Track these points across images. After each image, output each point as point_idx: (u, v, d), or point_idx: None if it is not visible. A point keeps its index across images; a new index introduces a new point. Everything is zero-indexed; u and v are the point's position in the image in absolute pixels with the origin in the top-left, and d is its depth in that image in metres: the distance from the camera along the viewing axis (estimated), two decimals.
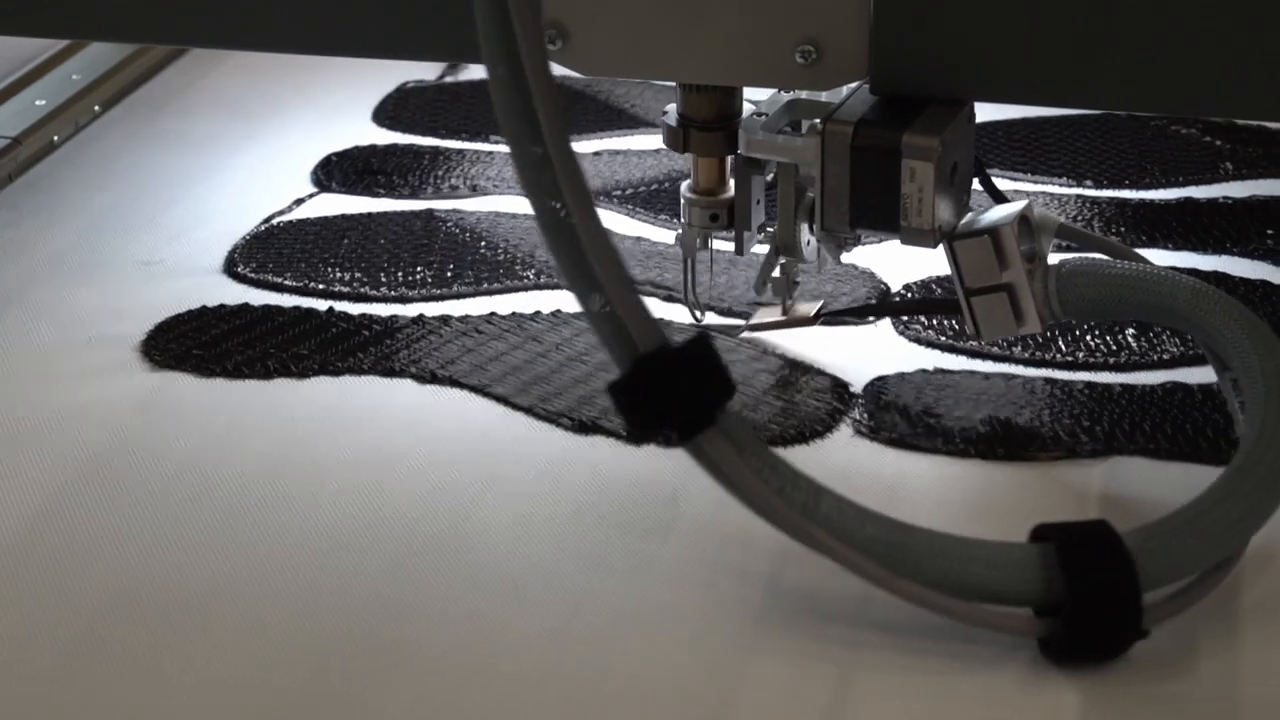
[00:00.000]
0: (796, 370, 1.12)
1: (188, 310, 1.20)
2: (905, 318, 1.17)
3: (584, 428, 1.07)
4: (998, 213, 1.03)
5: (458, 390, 1.11)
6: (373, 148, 1.43)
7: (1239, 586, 0.94)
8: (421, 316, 1.19)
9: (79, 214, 1.33)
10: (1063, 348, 1.14)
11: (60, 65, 1.50)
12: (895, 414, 1.08)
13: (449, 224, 1.31)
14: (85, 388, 1.12)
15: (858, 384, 1.11)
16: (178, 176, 1.39)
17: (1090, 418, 1.07)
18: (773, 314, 1.15)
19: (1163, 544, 0.89)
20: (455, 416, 1.09)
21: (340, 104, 1.50)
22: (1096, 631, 0.88)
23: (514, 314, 1.19)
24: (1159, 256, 1.23)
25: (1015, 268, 1.02)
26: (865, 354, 1.14)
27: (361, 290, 1.22)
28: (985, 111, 1.32)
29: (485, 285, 1.23)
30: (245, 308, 1.20)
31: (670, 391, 0.87)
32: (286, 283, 1.23)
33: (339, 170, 1.39)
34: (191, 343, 1.16)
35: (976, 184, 1.07)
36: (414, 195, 1.36)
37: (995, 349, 1.14)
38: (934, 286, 1.22)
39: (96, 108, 1.48)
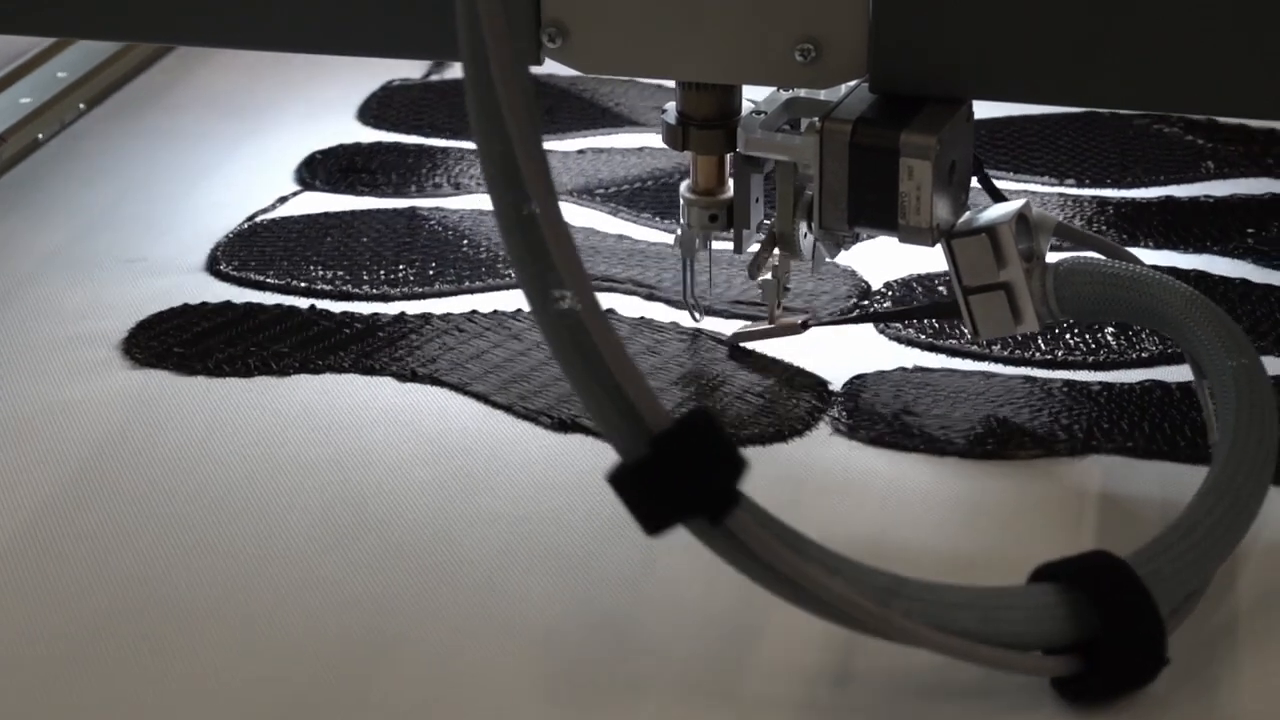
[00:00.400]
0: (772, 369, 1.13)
1: (170, 308, 1.20)
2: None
3: (563, 426, 1.08)
4: (996, 211, 1.03)
5: (438, 388, 1.12)
6: (357, 146, 1.43)
7: (1239, 586, 0.94)
8: (403, 314, 1.19)
9: (63, 211, 1.33)
10: (1042, 346, 1.14)
11: (46, 63, 1.50)
12: (874, 412, 1.08)
13: (432, 222, 1.31)
14: (67, 385, 1.12)
15: (837, 382, 1.12)
16: (162, 174, 1.39)
17: (1069, 416, 1.08)
18: (760, 324, 1.15)
19: (1163, 566, 0.88)
20: (436, 414, 1.09)
21: (326, 101, 1.50)
22: (1129, 667, 0.86)
23: (495, 312, 1.19)
24: (1140, 255, 1.23)
25: (1013, 266, 1.02)
26: (844, 352, 1.14)
27: (344, 288, 1.23)
28: None
29: (467, 283, 1.23)
30: (227, 305, 1.20)
31: (691, 471, 0.80)
32: (269, 281, 1.23)
33: (323, 168, 1.39)
34: (173, 340, 1.16)
35: (975, 182, 1.07)
36: (397, 193, 1.36)
37: (974, 347, 1.14)
38: (914, 285, 1.22)
39: (81, 105, 1.48)
